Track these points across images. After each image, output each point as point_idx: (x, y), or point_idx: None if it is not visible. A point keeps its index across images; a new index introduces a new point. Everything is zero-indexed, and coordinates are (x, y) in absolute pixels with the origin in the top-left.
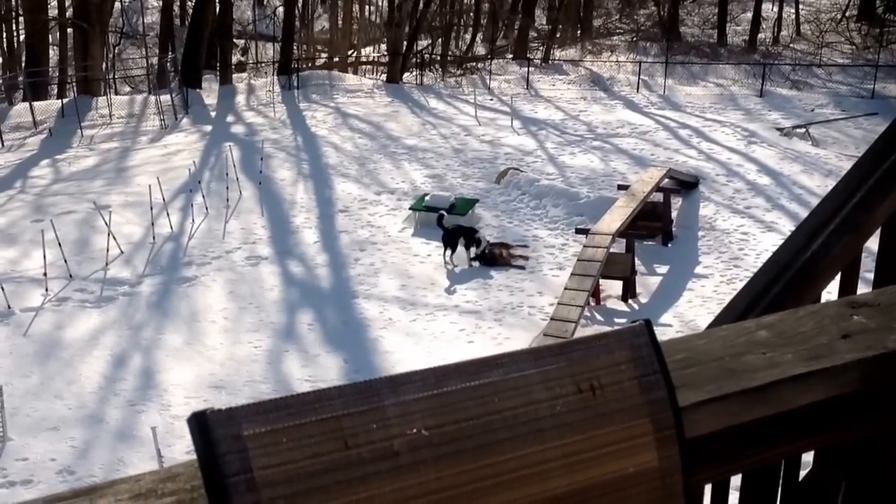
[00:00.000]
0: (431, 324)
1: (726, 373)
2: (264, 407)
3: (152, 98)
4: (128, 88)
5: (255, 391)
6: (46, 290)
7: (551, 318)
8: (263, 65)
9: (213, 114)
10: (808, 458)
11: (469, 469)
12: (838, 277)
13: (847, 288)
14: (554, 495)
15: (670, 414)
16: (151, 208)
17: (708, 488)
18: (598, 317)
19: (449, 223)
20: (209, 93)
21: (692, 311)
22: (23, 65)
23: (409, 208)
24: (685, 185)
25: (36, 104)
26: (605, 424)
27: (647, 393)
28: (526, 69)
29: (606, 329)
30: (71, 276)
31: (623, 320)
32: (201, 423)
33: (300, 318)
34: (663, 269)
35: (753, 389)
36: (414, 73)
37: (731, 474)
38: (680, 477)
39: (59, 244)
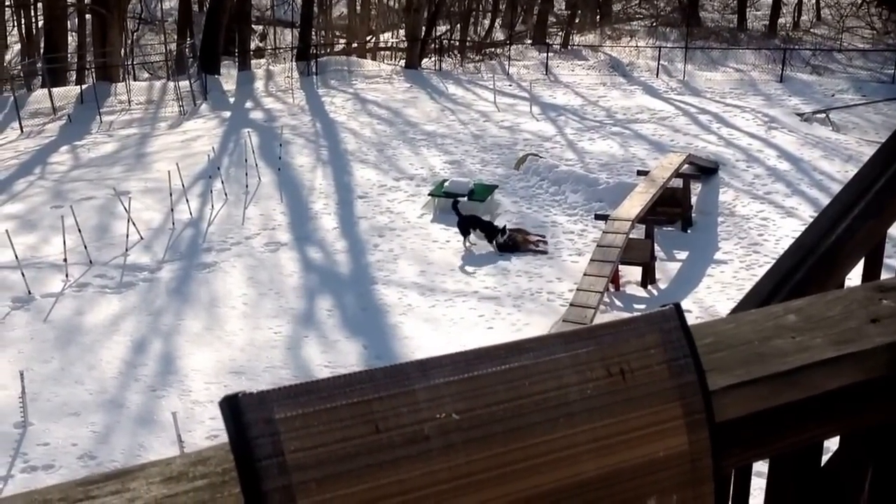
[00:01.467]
0: (450, 310)
1: (756, 357)
2: (295, 390)
3: (171, 84)
4: (146, 74)
5: (275, 377)
6: (66, 275)
7: (570, 304)
8: (282, 51)
9: (231, 100)
10: (829, 443)
11: (499, 453)
12: (860, 263)
13: (871, 273)
14: (583, 479)
15: (700, 398)
16: (171, 194)
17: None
18: (618, 303)
19: (467, 209)
20: (228, 79)
21: (711, 297)
22: (41, 51)
23: (428, 194)
24: (705, 170)
25: (55, 90)
26: (634, 408)
27: (676, 377)
28: (545, 55)
29: (626, 315)
30: (91, 261)
31: (642, 306)
32: (233, 406)
33: (319, 304)
34: (683, 255)
35: (783, 374)
36: (433, 58)
37: (759, 458)
38: (709, 461)
39: (79, 230)
